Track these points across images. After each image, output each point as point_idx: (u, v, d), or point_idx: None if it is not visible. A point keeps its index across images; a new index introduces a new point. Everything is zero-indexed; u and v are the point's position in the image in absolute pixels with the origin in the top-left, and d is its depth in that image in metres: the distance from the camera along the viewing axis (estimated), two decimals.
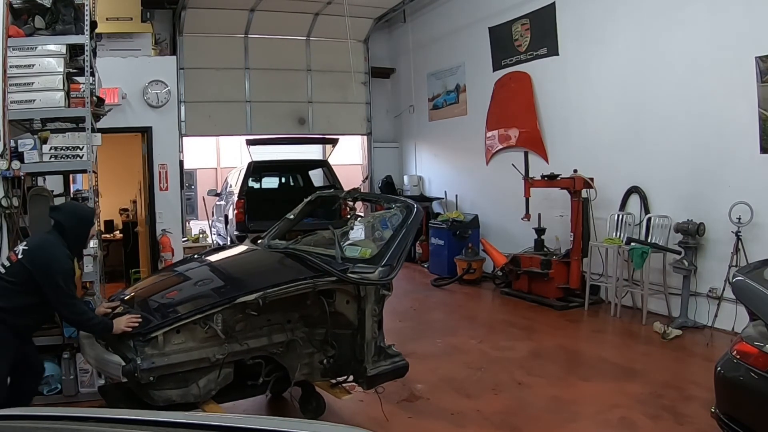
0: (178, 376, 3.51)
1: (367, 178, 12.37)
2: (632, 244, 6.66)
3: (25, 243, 3.61)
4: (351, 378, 4.03)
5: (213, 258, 4.53)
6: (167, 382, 3.48)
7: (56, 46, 4.44)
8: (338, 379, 4.08)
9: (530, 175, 7.60)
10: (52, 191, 4.60)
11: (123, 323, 3.45)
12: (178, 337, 3.51)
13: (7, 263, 3.52)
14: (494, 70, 9.56)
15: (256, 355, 3.77)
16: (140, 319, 3.46)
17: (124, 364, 3.36)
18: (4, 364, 3.40)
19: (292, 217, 4.96)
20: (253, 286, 3.67)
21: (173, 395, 3.52)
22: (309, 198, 5.15)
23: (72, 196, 5.14)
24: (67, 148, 4.46)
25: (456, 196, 10.45)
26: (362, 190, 6.29)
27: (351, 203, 6.07)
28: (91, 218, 3.73)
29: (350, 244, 4.26)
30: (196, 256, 4.88)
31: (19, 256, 3.45)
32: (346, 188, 10.20)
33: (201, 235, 8.82)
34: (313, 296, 3.78)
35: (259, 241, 4.74)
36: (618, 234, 7.18)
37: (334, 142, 10.97)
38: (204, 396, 3.60)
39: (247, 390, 3.94)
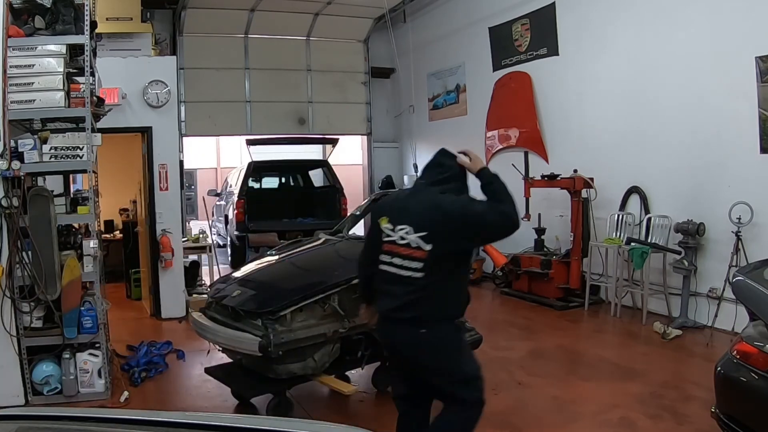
0: (298, 350, 3.90)
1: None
2: (632, 244, 6.66)
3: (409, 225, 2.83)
4: None
5: (308, 248, 4.96)
6: (289, 356, 3.86)
7: (56, 46, 4.43)
8: None
9: (530, 175, 7.59)
10: (52, 191, 4.59)
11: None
12: (302, 315, 3.93)
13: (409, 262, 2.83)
14: (494, 70, 9.55)
15: (359, 332, 4.13)
16: None
17: (260, 339, 3.71)
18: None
19: (358, 213, 5.52)
20: None
21: (294, 368, 3.93)
22: (372, 196, 5.81)
23: (72, 196, 5.13)
24: (67, 148, 4.46)
25: None
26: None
27: None
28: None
29: None
30: (286, 249, 5.15)
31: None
32: (346, 188, 10.36)
33: (201, 235, 8.80)
34: None
35: (338, 235, 5.18)
36: (618, 234, 7.17)
37: (334, 142, 10.98)
38: (319, 368, 4.03)
39: (346, 364, 4.34)
